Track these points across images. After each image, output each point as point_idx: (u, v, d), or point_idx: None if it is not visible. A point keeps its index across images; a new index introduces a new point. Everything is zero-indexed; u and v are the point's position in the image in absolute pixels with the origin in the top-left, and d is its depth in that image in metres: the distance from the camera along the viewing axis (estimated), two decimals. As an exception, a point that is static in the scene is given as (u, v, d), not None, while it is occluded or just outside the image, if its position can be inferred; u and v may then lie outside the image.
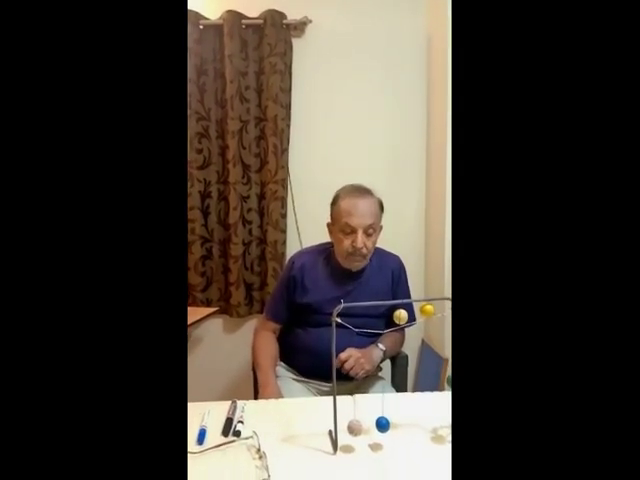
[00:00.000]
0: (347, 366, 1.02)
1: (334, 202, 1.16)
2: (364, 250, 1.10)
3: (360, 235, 1.09)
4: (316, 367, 1.14)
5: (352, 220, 1.09)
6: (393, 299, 1.19)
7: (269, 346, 1.20)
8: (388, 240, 1.26)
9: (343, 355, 1.03)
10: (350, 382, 1.13)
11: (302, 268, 1.19)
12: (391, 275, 1.22)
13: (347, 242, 1.10)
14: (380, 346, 1.14)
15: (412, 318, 1.03)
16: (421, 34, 1.75)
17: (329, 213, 1.18)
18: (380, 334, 1.08)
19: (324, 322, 0.97)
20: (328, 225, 1.20)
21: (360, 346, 1.10)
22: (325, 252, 1.23)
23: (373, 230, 1.12)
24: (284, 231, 1.74)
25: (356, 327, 1.10)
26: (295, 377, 1.21)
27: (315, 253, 1.24)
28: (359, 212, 1.10)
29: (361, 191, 1.14)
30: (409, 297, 1.28)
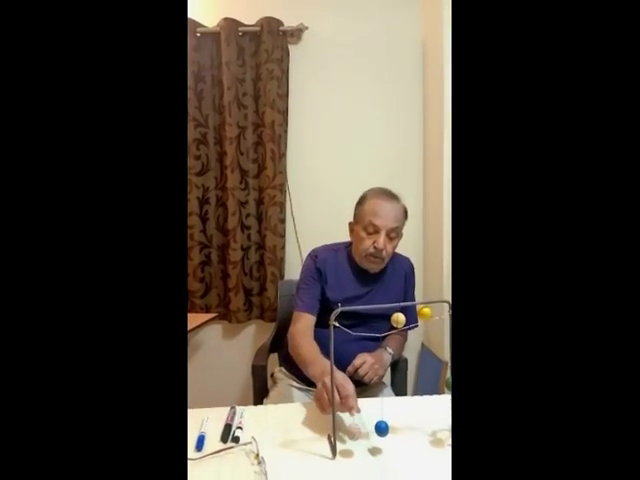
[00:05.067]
0: (362, 372, 1.00)
1: (361, 201, 1.17)
2: (384, 253, 1.10)
3: (383, 236, 1.09)
4: None
5: (377, 220, 1.10)
6: (404, 301, 1.20)
7: (311, 344, 1.06)
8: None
9: (357, 361, 1.01)
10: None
11: (325, 262, 1.18)
12: (404, 277, 1.23)
13: (369, 242, 1.11)
14: (389, 350, 1.13)
15: (414, 320, 1.03)
16: (416, 38, 1.77)
17: (353, 212, 1.20)
18: (385, 336, 1.07)
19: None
20: (350, 224, 1.20)
21: (368, 349, 1.08)
22: (344, 251, 1.22)
23: (395, 235, 1.12)
24: (283, 236, 1.75)
25: (368, 328, 1.10)
26: (296, 385, 1.20)
27: (334, 250, 1.22)
28: (385, 214, 1.10)
29: (389, 194, 1.15)
30: (414, 299, 1.29)
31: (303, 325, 1.11)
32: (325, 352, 1.06)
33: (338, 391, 0.75)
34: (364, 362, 1.02)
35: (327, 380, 0.78)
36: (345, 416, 0.79)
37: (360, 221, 1.14)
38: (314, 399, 0.83)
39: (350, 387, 0.77)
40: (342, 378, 0.79)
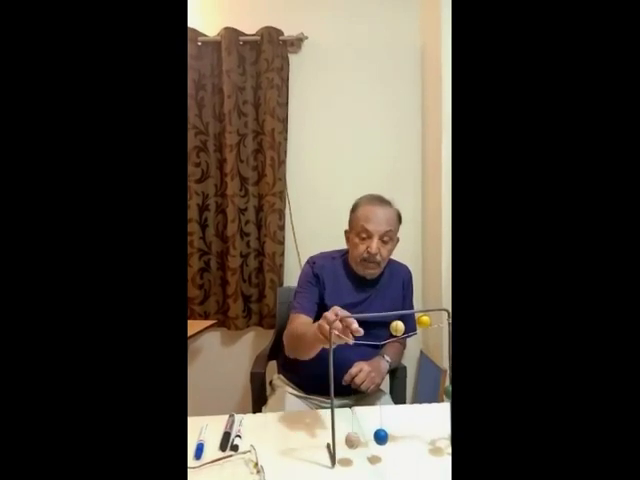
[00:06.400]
0: (358, 380, 1.00)
1: (353, 209, 1.19)
2: (378, 257, 1.11)
3: (376, 241, 1.11)
4: (320, 381, 1.12)
5: (369, 225, 1.11)
6: (401, 308, 1.20)
7: (303, 325, 1.06)
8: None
9: (354, 369, 1.01)
10: (350, 396, 1.13)
11: (323, 268, 1.18)
12: (402, 284, 1.24)
13: (362, 247, 1.12)
14: (386, 358, 1.13)
15: (413, 328, 1.03)
16: (415, 46, 1.79)
17: (347, 220, 1.21)
18: (384, 344, 1.07)
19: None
20: (345, 232, 1.22)
21: (366, 357, 1.08)
22: (341, 258, 1.23)
23: (389, 238, 1.13)
24: (282, 243, 1.75)
25: (366, 335, 1.10)
26: (295, 392, 1.19)
27: (332, 258, 1.23)
28: (377, 218, 1.12)
29: (381, 200, 1.17)
30: (412, 307, 1.29)
31: (299, 323, 1.10)
32: (323, 360, 1.05)
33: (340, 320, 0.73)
34: (360, 370, 1.01)
35: (327, 313, 0.76)
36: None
37: (354, 228, 1.16)
38: (318, 331, 0.79)
39: (347, 312, 0.76)
40: (338, 308, 0.77)
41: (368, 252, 1.11)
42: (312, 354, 0.90)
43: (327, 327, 0.74)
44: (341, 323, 0.73)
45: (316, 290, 1.16)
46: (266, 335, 1.71)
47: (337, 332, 0.72)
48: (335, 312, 0.75)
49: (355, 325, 0.73)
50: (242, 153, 1.72)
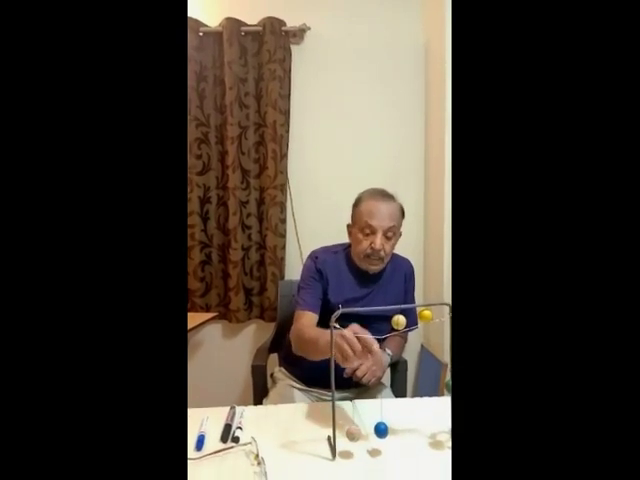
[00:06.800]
0: (359, 373, 0.99)
1: (356, 203, 1.18)
2: (382, 252, 1.11)
3: (379, 236, 1.10)
4: (321, 374, 1.13)
5: (373, 221, 1.10)
6: (403, 302, 1.20)
7: (312, 328, 1.07)
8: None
9: (355, 363, 1.02)
10: (351, 389, 1.13)
11: (325, 263, 1.18)
12: (404, 278, 1.24)
13: (366, 243, 1.11)
14: (387, 351, 1.13)
15: (415, 322, 1.03)
16: (418, 40, 1.77)
17: (350, 214, 1.20)
18: (386, 338, 1.07)
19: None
20: (348, 226, 1.21)
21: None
22: (343, 252, 1.23)
23: (392, 234, 1.13)
24: (283, 236, 1.75)
25: (368, 329, 1.10)
26: (296, 385, 1.20)
27: (334, 252, 1.23)
28: (380, 214, 1.11)
29: (384, 194, 1.16)
30: (414, 301, 1.29)
31: (306, 321, 1.11)
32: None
33: (358, 339, 0.75)
34: (362, 363, 1.01)
35: (346, 332, 0.76)
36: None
37: (357, 223, 1.15)
38: (335, 351, 0.78)
39: (366, 331, 0.77)
40: (357, 326, 0.77)
41: (372, 248, 1.10)
42: (321, 359, 0.91)
43: (345, 347, 0.74)
44: (360, 343, 0.73)
45: (319, 285, 1.16)
46: (267, 328, 1.71)
47: (356, 352, 0.74)
48: (354, 331, 0.74)
49: (375, 346, 0.74)
50: (244, 145, 1.71)
